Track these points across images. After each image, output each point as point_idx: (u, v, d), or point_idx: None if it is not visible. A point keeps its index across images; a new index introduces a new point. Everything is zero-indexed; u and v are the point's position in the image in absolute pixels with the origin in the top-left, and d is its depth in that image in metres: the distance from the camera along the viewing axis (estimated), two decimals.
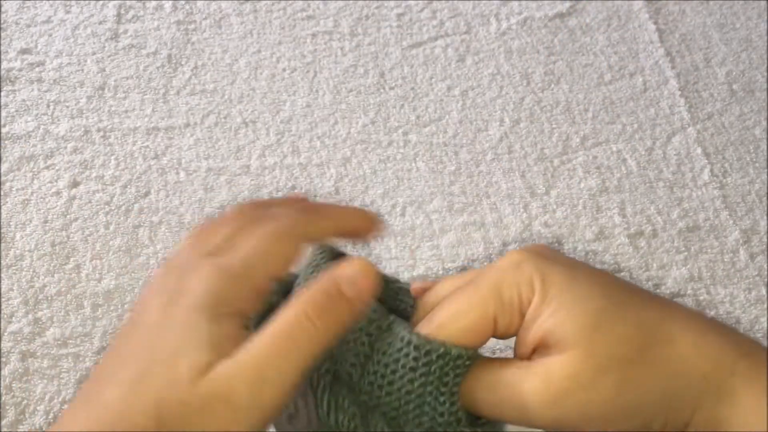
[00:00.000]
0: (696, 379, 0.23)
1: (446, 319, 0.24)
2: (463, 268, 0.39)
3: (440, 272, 0.50)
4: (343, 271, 0.24)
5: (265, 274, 0.24)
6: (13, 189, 0.53)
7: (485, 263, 0.39)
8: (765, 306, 0.49)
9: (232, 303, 0.23)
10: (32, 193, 0.52)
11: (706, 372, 0.23)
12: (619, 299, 0.23)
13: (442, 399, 0.24)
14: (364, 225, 0.28)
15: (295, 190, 0.54)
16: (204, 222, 0.27)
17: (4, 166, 0.54)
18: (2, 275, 0.48)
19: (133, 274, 0.49)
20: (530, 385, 0.23)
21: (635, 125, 0.60)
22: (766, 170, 0.58)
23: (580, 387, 0.23)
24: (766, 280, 0.51)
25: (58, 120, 0.57)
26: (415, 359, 0.24)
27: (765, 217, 0.55)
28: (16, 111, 0.57)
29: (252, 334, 0.23)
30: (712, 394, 0.23)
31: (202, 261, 0.24)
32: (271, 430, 0.29)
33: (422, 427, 0.24)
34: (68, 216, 0.51)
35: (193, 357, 0.22)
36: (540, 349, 0.24)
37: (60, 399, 0.43)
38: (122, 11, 0.65)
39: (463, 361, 0.24)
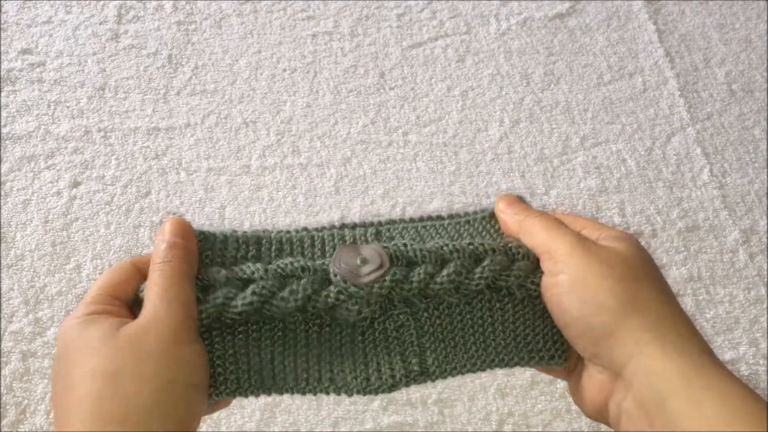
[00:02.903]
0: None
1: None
2: None
3: None
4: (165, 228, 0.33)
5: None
6: (14, 189, 0.53)
7: None
8: (764, 305, 0.50)
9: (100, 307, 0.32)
10: (33, 193, 0.52)
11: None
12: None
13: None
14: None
15: (295, 190, 0.54)
16: None
17: (5, 166, 0.54)
18: (3, 275, 0.48)
19: None
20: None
21: (635, 125, 0.60)
22: (765, 170, 0.58)
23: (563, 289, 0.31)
24: (765, 279, 0.51)
25: (59, 120, 0.57)
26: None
27: (764, 217, 0.55)
28: (17, 111, 0.57)
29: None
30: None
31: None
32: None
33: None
34: (69, 216, 0.51)
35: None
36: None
37: None
38: (123, 12, 0.65)
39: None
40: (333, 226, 0.36)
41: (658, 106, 0.62)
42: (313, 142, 0.57)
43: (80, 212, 0.52)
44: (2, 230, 0.50)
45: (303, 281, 0.32)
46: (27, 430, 0.42)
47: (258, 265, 0.32)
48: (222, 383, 0.32)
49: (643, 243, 0.55)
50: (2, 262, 0.49)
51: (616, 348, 0.30)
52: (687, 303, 0.49)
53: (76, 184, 0.53)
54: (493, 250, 0.33)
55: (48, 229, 0.51)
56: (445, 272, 0.33)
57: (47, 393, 0.43)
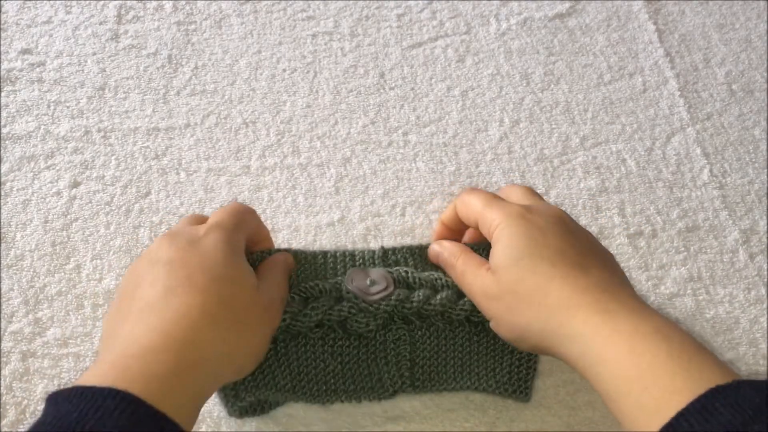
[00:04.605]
0: (552, 321, 0.34)
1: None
2: None
3: None
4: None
5: (245, 229, 0.39)
6: (14, 189, 0.53)
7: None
8: (764, 306, 0.50)
9: (234, 239, 0.37)
10: (33, 193, 0.52)
11: (560, 318, 0.33)
12: (537, 257, 0.35)
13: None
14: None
15: (295, 190, 0.54)
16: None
17: (5, 167, 0.54)
18: (3, 275, 0.48)
19: None
20: (475, 281, 0.38)
21: (635, 125, 0.60)
22: (765, 170, 0.58)
23: (489, 297, 0.37)
24: (765, 279, 0.51)
25: (59, 120, 0.57)
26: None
27: (764, 217, 0.55)
28: (17, 111, 0.57)
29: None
30: (563, 335, 0.33)
31: (195, 225, 0.39)
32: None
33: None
34: (69, 216, 0.51)
35: (244, 277, 0.36)
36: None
37: None
38: (122, 12, 0.65)
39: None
40: (345, 250, 0.43)
41: (658, 106, 0.62)
42: (313, 142, 0.57)
43: (80, 212, 0.52)
44: (2, 230, 0.50)
45: (321, 299, 0.38)
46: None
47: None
48: (259, 375, 0.38)
49: (642, 243, 0.55)
50: (2, 262, 0.49)
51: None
52: (687, 303, 0.50)
53: (75, 185, 0.53)
54: None
55: (48, 229, 0.51)
56: (438, 297, 0.39)
57: (47, 393, 0.43)
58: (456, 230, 0.44)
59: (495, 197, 0.39)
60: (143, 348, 0.31)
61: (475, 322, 0.40)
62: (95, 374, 0.29)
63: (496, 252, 0.37)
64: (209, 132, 0.57)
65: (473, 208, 0.39)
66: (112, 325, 0.35)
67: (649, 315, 0.32)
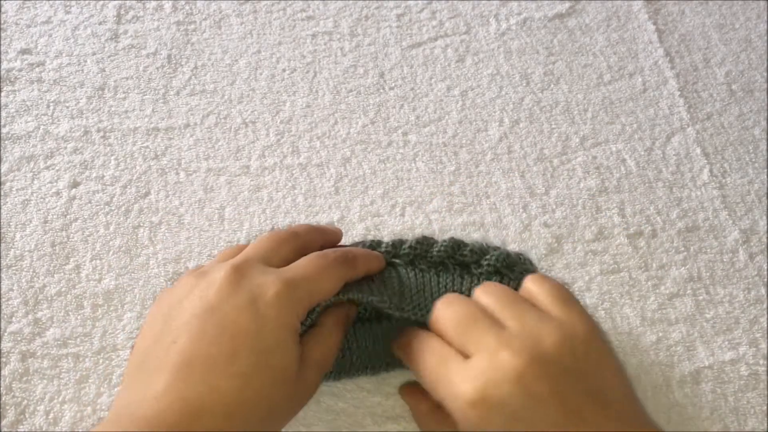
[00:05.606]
0: None
1: None
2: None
3: None
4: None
5: (317, 297, 0.34)
6: (13, 189, 0.53)
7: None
8: (764, 306, 0.50)
9: (297, 315, 0.33)
10: (32, 193, 0.52)
11: None
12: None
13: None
14: (378, 266, 0.39)
15: (295, 190, 0.54)
16: (262, 236, 0.37)
17: (4, 167, 0.54)
18: (2, 275, 0.48)
19: (132, 275, 0.49)
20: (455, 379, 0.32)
21: (634, 125, 0.60)
22: (765, 170, 0.58)
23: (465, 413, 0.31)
24: (765, 279, 0.51)
25: (58, 120, 0.57)
26: None
27: (764, 217, 0.55)
28: (16, 111, 0.57)
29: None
30: None
31: (269, 270, 0.34)
32: None
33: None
34: (68, 216, 0.51)
35: (290, 368, 0.32)
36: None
37: (60, 399, 0.43)
38: (122, 12, 0.65)
39: None
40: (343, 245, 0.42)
41: (658, 106, 0.62)
42: (312, 142, 0.57)
43: (79, 212, 0.52)
44: (2, 230, 0.50)
45: None
46: (26, 430, 0.42)
47: None
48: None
49: (642, 243, 0.55)
50: (1, 262, 0.49)
51: None
52: (687, 303, 0.50)
53: (75, 185, 0.53)
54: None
55: (47, 229, 0.51)
56: (408, 243, 0.41)
57: (46, 393, 0.43)
58: None
59: (447, 354, 0.33)
60: (163, 422, 0.29)
61: (460, 262, 0.41)
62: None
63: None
64: (209, 132, 0.57)
65: (421, 369, 0.34)
66: (139, 364, 0.33)
67: None
